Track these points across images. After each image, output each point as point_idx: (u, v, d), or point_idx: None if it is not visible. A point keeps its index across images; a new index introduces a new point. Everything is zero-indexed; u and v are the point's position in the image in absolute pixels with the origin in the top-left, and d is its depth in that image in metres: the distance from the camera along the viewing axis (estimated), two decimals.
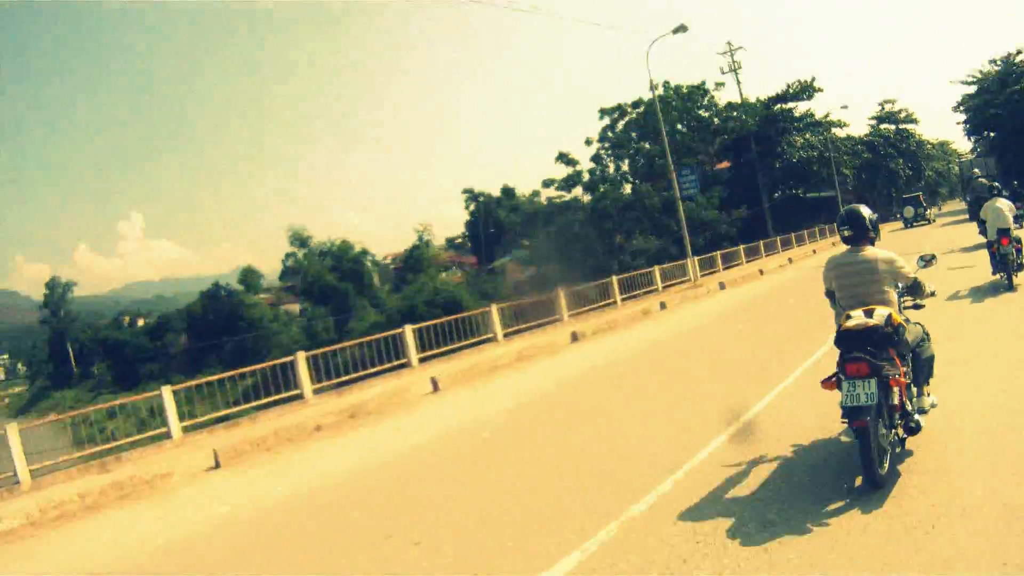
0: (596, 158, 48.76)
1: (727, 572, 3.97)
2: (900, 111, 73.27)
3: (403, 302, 47.31)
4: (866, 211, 5.66)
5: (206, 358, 67.75)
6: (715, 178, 51.28)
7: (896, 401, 4.96)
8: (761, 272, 29.72)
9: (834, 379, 5.09)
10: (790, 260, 34.95)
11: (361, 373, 14.69)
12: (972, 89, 61.63)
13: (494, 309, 18.08)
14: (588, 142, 49.86)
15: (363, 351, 15.33)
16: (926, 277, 5.84)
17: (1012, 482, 4.48)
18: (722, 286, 25.43)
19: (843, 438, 5.05)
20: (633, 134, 49.30)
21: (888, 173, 65.99)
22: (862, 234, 5.57)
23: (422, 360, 15.68)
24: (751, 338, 13.26)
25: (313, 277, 58.64)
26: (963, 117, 63.35)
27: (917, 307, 5.87)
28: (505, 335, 18.01)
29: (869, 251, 5.53)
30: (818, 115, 54.48)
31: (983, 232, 15.71)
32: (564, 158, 48.05)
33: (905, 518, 4.27)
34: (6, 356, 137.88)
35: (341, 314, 55.29)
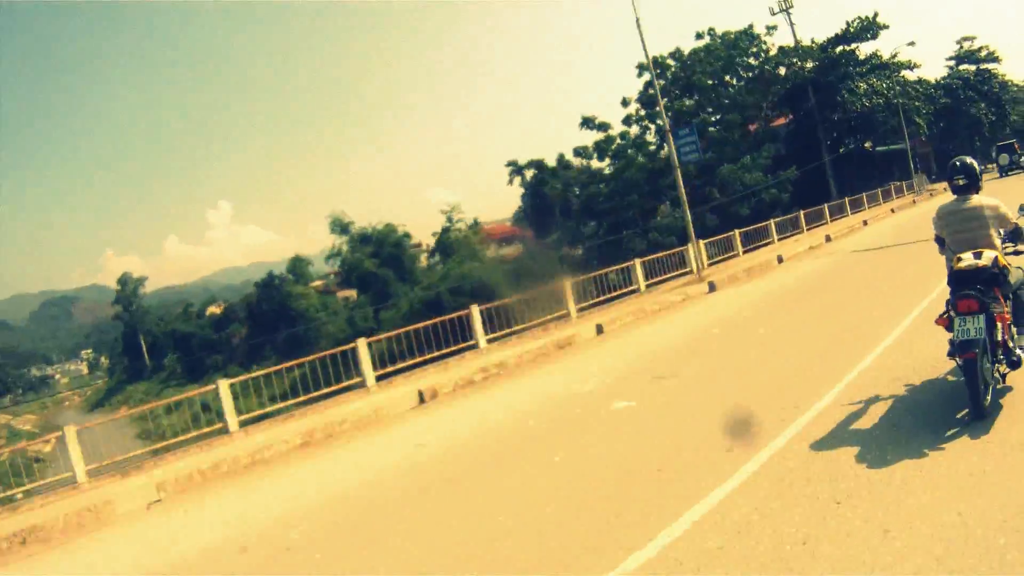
0: (628, 120, 43.88)
1: (861, 490, 4.56)
2: (981, 49, 65.54)
3: (425, 292, 44.89)
4: (975, 162, 6.06)
5: (263, 349, 67.90)
6: (771, 135, 45.96)
7: (1000, 337, 5.42)
8: (828, 239, 25.69)
9: (946, 316, 5.61)
10: (864, 223, 29.89)
11: (425, 356, 13.85)
12: None
13: (567, 285, 17.21)
14: (625, 102, 44.75)
15: (428, 334, 14.17)
16: None
17: None
18: (780, 259, 21.92)
19: (949, 377, 6.22)
20: (676, 91, 44.55)
21: (969, 120, 59.14)
22: (973, 183, 5.94)
23: (490, 341, 14.99)
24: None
25: (352, 264, 57.11)
26: None
27: (1018, 252, 6.07)
28: (579, 310, 17.30)
29: (976, 199, 5.90)
30: (885, 56, 47.72)
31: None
32: (590, 123, 43.57)
33: (1010, 440, 4.85)
34: (90, 351, 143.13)
35: (382, 301, 53.69)
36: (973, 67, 64.50)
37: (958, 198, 6.00)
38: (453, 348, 14.25)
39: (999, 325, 5.42)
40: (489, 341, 14.95)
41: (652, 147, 43.60)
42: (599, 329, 14.91)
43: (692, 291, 18.16)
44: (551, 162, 48.62)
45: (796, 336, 10.13)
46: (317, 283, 70.12)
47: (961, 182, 5.95)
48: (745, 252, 25.76)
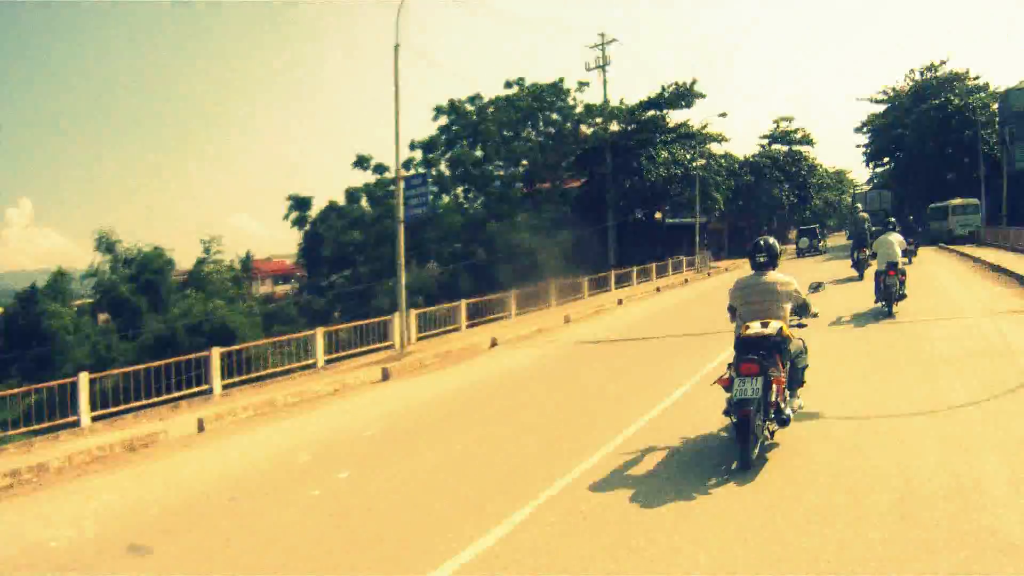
0: (408, 164, 39.15)
1: (633, 530, 5.11)
2: (796, 130, 65.42)
3: (163, 326, 39.17)
4: (775, 242, 7.01)
5: (9, 367, 60.09)
6: (563, 195, 43.18)
7: (774, 398, 6.13)
8: (567, 319, 21.97)
9: (727, 377, 6.26)
10: (620, 301, 26.42)
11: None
12: (881, 108, 58.15)
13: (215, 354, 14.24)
14: (412, 145, 41.01)
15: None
16: (813, 301, 7.23)
17: (849, 467, 5.89)
18: (494, 343, 18.02)
19: (722, 433, 6.97)
20: (467, 139, 41.12)
21: (771, 199, 58.44)
22: (771, 261, 6.84)
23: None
24: None
25: (107, 286, 50.55)
26: (866, 140, 59.99)
27: (801, 326, 7.11)
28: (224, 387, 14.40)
29: (771, 275, 6.79)
30: (695, 126, 46.41)
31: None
32: (364, 163, 39.40)
33: (770, 489, 5.60)
34: None
35: (131, 329, 47.63)
36: (785, 147, 64.62)
37: (756, 273, 6.89)
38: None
39: (775, 387, 6.15)
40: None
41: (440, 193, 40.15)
42: (200, 425, 11.15)
43: (362, 376, 14.61)
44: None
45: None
46: (79, 301, 62.42)
47: (762, 259, 6.85)
48: (472, 326, 22.23)
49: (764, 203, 58.48)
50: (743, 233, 57.14)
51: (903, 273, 14.75)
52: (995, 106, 47.52)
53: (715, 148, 48.87)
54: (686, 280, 35.40)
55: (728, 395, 6.19)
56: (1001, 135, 43.02)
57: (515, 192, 39.59)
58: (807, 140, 65.22)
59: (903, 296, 14.74)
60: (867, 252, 20.56)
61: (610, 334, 17.84)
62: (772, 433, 6.41)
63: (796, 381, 6.76)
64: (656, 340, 15.78)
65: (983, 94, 50.25)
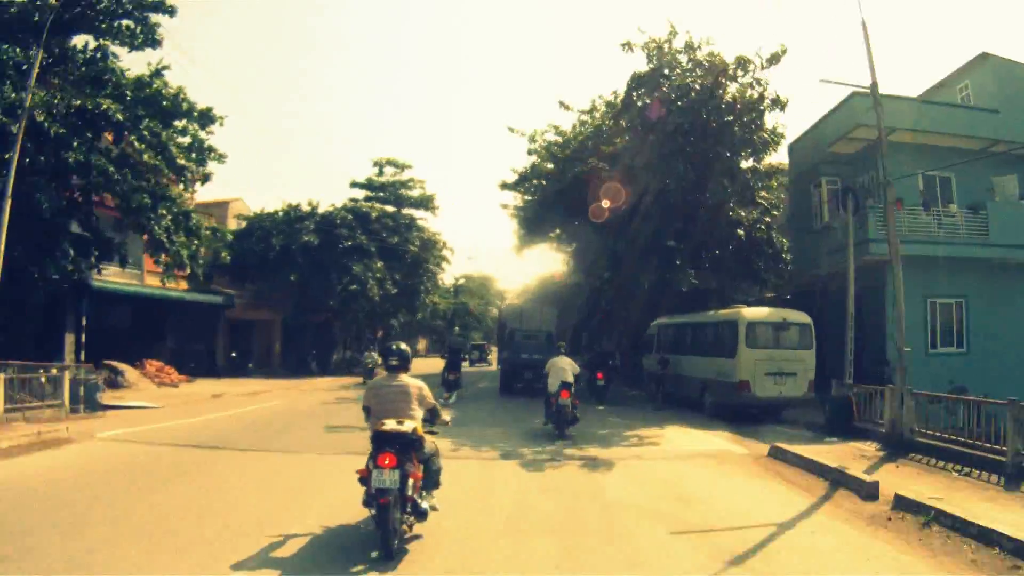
0: None
1: None
2: (410, 181, 47.37)
3: None
4: (407, 347, 7.70)
5: None
6: None
7: (411, 492, 6.53)
8: None
9: (366, 469, 6.56)
10: None
11: None
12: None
13: None
14: None
15: None
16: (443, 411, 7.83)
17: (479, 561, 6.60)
18: None
19: (362, 527, 7.19)
20: None
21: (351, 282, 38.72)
22: (404, 365, 7.38)
23: None
24: None
25: None
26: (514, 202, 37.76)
27: (432, 432, 7.52)
28: None
29: (404, 378, 7.28)
30: None
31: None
32: None
33: None
34: None
35: None
36: (392, 208, 45.76)
37: (389, 375, 7.34)
38: None
39: (411, 482, 6.51)
40: None
41: None
42: None
43: None
44: None
45: None
46: None
47: (394, 362, 7.34)
48: None
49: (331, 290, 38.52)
50: (300, 334, 43.04)
51: (576, 396, 15.07)
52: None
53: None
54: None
55: (366, 487, 6.52)
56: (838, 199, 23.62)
57: None
58: (426, 202, 47.49)
59: (576, 419, 15.01)
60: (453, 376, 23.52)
61: None
62: (412, 526, 6.85)
63: (432, 482, 7.19)
64: None
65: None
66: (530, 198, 34.64)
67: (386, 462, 6.36)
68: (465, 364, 39.52)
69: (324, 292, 37.69)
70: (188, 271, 25.65)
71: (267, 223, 39.14)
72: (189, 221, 24.08)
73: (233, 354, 37.10)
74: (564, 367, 15.33)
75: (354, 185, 46.79)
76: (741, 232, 24.60)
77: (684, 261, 23.73)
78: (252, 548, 6.63)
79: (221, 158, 24.28)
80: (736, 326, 19.01)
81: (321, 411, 19.42)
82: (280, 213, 39.90)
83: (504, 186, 35.79)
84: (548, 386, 15.24)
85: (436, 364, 36.66)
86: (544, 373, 15.92)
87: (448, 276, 58.53)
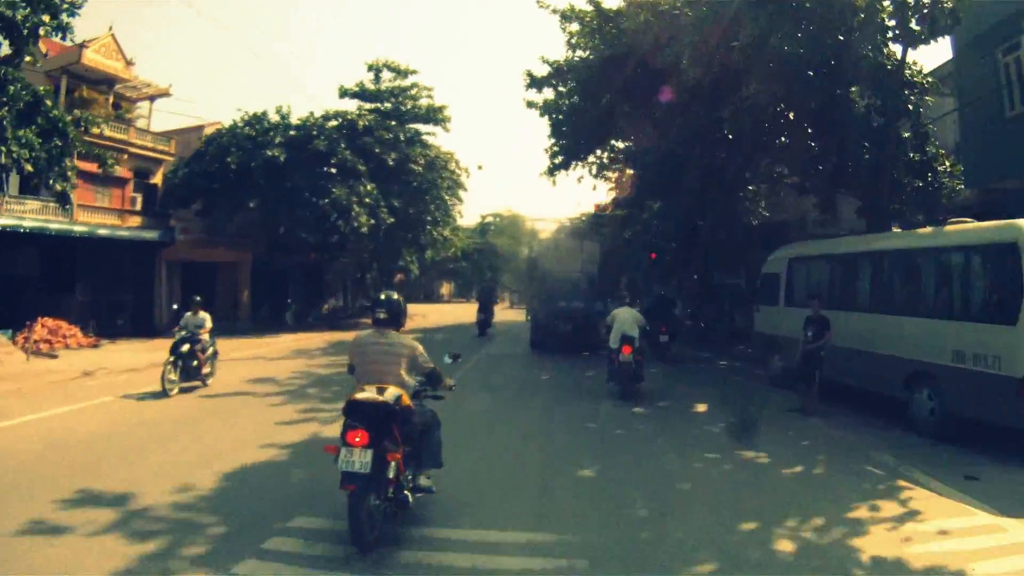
0: None
1: None
2: (413, 87, 36.55)
3: None
4: (400, 298, 6.04)
5: None
6: None
7: (392, 475, 5.35)
8: None
9: (336, 446, 5.29)
10: None
11: None
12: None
13: None
14: None
15: None
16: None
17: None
18: None
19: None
20: None
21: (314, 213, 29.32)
22: (394, 320, 5.89)
23: None
24: None
25: None
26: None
27: (437, 398, 6.34)
28: None
29: (394, 336, 5.84)
30: None
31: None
32: None
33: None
34: None
35: None
36: (383, 106, 36.34)
37: (376, 330, 5.90)
38: None
39: (392, 464, 5.36)
40: None
41: None
42: None
43: None
44: None
45: None
46: None
47: (382, 315, 5.88)
48: None
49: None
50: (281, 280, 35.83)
51: (641, 352, 13.28)
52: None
53: None
54: None
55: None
56: None
57: None
58: (434, 114, 36.74)
59: (642, 377, 13.41)
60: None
61: None
62: (395, 513, 5.61)
63: (427, 458, 6.05)
64: None
65: None
66: (565, 90, 25.21)
67: (356, 439, 5.14)
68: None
69: (296, 223, 28.65)
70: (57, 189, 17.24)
71: (226, 139, 30.02)
72: (41, 109, 15.83)
73: (175, 306, 28.59)
74: (627, 319, 13.58)
75: (344, 95, 35.75)
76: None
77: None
78: None
79: (73, 8, 15.57)
80: (1017, 253, 8.85)
81: (203, 419, 10.65)
82: (242, 124, 30.71)
83: (531, 83, 26.45)
84: (609, 340, 13.57)
85: (461, 311, 27.94)
86: (607, 326, 14.16)
87: (472, 213, 48.99)
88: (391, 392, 5.46)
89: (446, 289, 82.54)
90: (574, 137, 25.90)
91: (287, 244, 31.07)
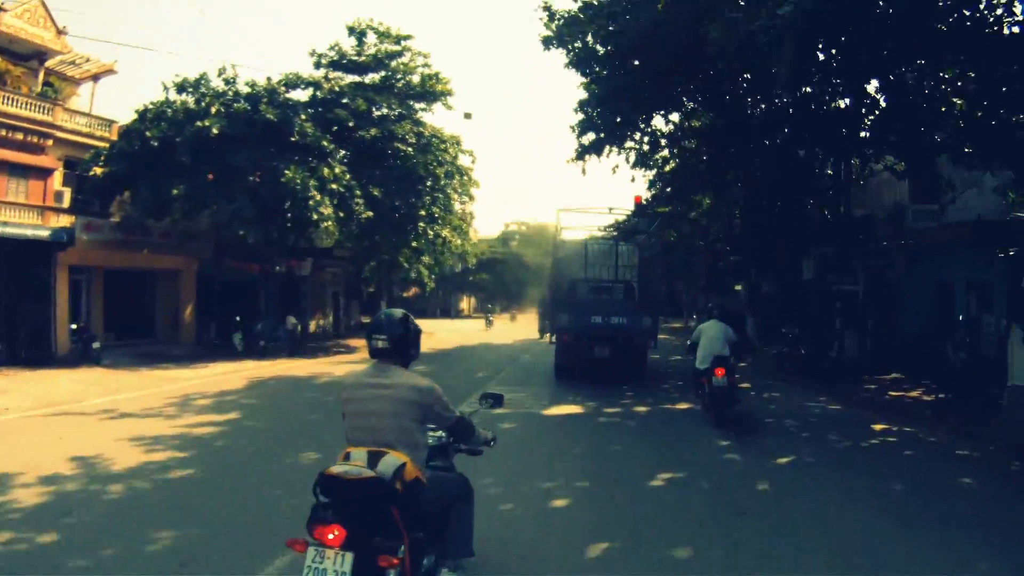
0: None
1: None
2: (404, 52, 28.39)
3: None
4: (406, 316, 4.07)
5: None
6: None
7: None
8: None
9: (303, 541, 3.44)
10: None
11: None
12: None
13: None
14: None
15: None
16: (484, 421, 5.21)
17: None
18: None
19: None
20: None
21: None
22: (399, 349, 3.94)
23: None
24: None
25: None
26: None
27: (474, 452, 4.56)
28: None
29: (400, 375, 3.91)
30: None
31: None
32: None
33: None
34: None
35: None
36: (358, 80, 28.74)
37: (375, 365, 3.98)
38: None
39: (389, 571, 3.42)
40: None
41: None
42: None
43: None
44: None
45: None
46: None
47: (380, 344, 3.90)
48: None
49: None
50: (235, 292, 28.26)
51: (734, 373, 11.03)
52: None
53: None
54: None
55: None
56: None
57: None
58: (430, 85, 28.43)
59: (737, 400, 11.13)
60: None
61: None
62: None
63: (454, 545, 4.14)
64: None
65: None
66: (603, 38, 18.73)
67: (330, 536, 3.31)
68: None
69: (234, 216, 21.66)
70: None
71: (159, 112, 23.18)
72: None
73: (73, 325, 21.71)
74: (716, 335, 11.28)
75: (319, 65, 27.87)
76: None
77: None
78: None
79: None
80: None
81: None
82: (173, 90, 23.85)
83: (550, 19, 19.88)
84: (696, 360, 11.47)
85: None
86: (692, 343, 11.82)
87: (494, 221, 41.52)
88: (389, 461, 3.63)
89: (466, 304, 75.52)
90: (613, 106, 19.27)
91: (246, 247, 24.23)
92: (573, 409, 12.63)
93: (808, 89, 17.13)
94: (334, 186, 22.30)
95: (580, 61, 19.94)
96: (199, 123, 21.41)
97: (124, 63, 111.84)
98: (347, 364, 20.60)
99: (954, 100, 14.78)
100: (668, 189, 27.36)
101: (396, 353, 3.96)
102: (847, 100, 17.41)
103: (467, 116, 33.61)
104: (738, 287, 34.66)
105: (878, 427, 11.28)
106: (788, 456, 8.87)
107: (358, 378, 4.01)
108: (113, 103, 76.20)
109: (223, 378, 17.47)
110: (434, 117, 29.72)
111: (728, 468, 8.22)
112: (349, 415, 3.95)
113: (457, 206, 32.18)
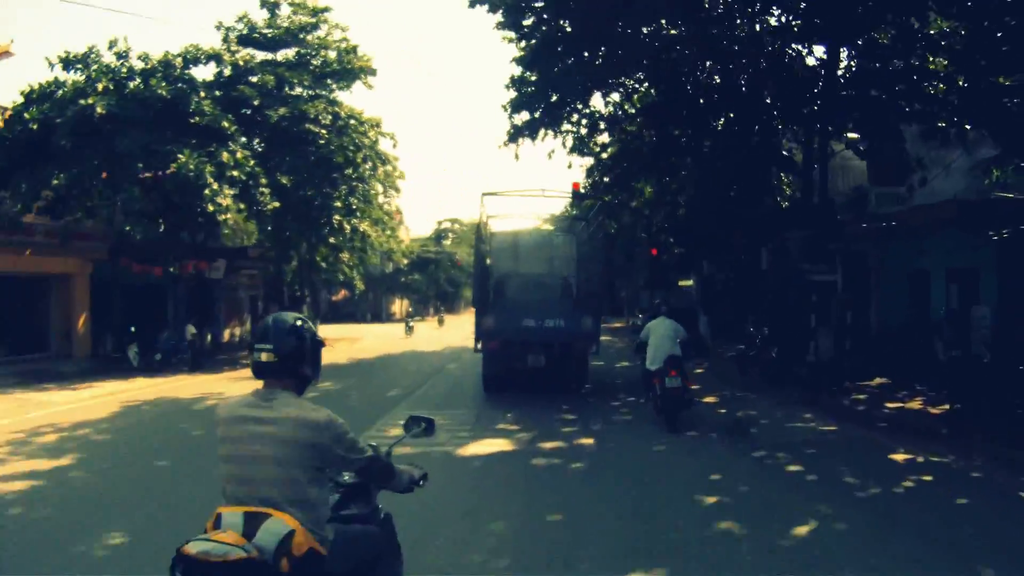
0: None
1: None
2: (321, 24, 25.60)
3: None
4: (303, 322, 2.99)
5: None
6: None
7: None
8: None
9: None
10: None
11: None
12: None
13: None
14: None
15: None
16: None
17: None
18: None
19: None
20: None
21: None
22: (287, 365, 2.89)
23: None
24: None
25: None
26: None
27: (408, 488, 3.31)
28: None
29: (288, 404, 2.81)
30: None
31: None
32: None
33: None
34: None
35: None
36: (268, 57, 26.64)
37: (256, 393, 2.89)
38: None
39: None
40: None
41: None
42: None
43: None
44: None
45: None
46: None
47: (265, 357, 2.85)
48: None
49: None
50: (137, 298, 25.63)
51: (685, 376, 10.50)
52: None
53: None
54: None
55: None
56: None
57: None
58: (347, 62, 25.81)
59: (691, 402, 10.88)
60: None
61: None
62: None
63: None
64: None
65: None
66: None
67: None
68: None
69: (123, 207, 18.99)
70: None
71: (56, 91, 20.26)
72: None
73: None
74: (666, 332, 10.95)
75: (226, 39, 24.66)
76: None
77: None
78: None
79: None
80: None
81: None
82: (60, 67, 20.84)
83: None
84: (647, 360, 11.06)
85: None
86: (640, 343, 11.52)
87: (426, 220, 38.79)
88: (272, 528, 2.62)
89: (398, 307, 72.61)
90: (550, 63, 17.29)
91: (149, 247, 21.47)
92: (500, 445, 9.87)
93: (769, 48, 15.43)
94: (235, 173, 19.69)
95: (511, 10, 17.58)
96: (83, 101, 18.61)
97: (22, 44, 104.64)
98: (247, 381, 18.01)
99: (933, 61, 13.27)
100: (606, 179, 25.55)
101: (285, 371, 2.92)
102: (813, 59, 15.93)
103: (394, 144, 29.95)
104: (688, 282, 33.03)
105: (898, 457, 9.03)
106: (806, 523, 6.23)
107: (234, 409, 2.92)
108: (12, 90, 71.03)
109: (95, 403, 14.68)
110: (353, 98, 27.07)
111: (728, 550, 5.62)
112: (223, 460, 2.90)
113: (381, 199, 29.75)
